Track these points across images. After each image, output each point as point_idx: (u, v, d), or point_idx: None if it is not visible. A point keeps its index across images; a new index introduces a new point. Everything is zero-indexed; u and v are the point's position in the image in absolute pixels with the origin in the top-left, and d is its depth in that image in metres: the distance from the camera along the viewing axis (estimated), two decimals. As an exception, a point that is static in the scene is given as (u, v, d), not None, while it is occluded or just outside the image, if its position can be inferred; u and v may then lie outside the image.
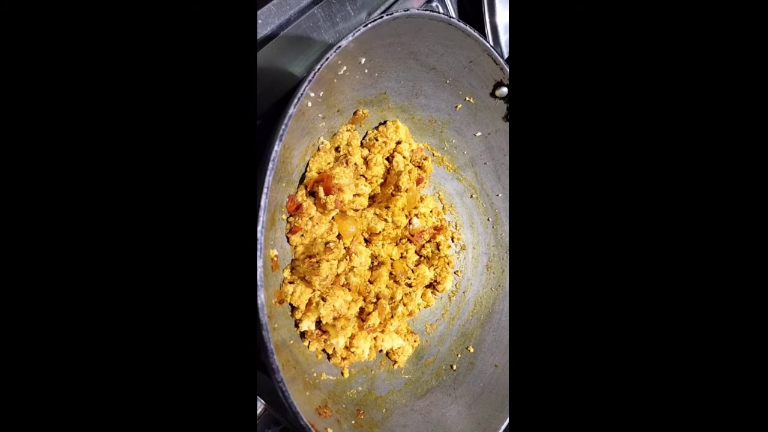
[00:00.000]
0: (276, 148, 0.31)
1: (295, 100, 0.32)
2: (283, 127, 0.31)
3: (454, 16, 0.66)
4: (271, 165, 0.31)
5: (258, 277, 0.29)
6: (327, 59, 0.34)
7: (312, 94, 0.41)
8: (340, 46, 0.35)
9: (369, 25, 0.38)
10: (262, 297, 0.30)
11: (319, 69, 0.34)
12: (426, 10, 0.42)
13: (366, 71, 0.48)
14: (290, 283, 0.47)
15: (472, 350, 0.61)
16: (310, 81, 0.34)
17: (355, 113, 0.53)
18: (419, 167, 0.59)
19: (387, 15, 0.39)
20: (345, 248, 0.51)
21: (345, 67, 0.44)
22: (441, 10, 0.65)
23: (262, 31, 0.47)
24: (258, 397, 0.48)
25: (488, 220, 0.65)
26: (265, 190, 0.32)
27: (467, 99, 0.57)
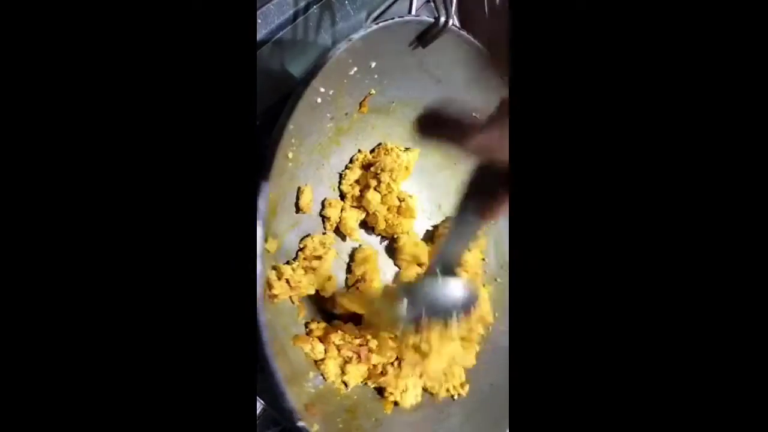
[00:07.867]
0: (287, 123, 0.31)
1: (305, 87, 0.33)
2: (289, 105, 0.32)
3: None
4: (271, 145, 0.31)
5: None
6: (338, 48, 0.35)
7: (322, 89, 0.42)
8: (351, 39, 0.36)
9: (381, 25, 0.39)
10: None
11: (329, 59, 0.35)
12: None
13: (376, 77, 0.49)
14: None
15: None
16: (319, 69, 0.35)
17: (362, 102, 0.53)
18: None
19: (399, 17, 0.41)
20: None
21: (355, 68, 0.45)
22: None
23: (262, 31, 0.47)
24: (258, 397, 0.47)
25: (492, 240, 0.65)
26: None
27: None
